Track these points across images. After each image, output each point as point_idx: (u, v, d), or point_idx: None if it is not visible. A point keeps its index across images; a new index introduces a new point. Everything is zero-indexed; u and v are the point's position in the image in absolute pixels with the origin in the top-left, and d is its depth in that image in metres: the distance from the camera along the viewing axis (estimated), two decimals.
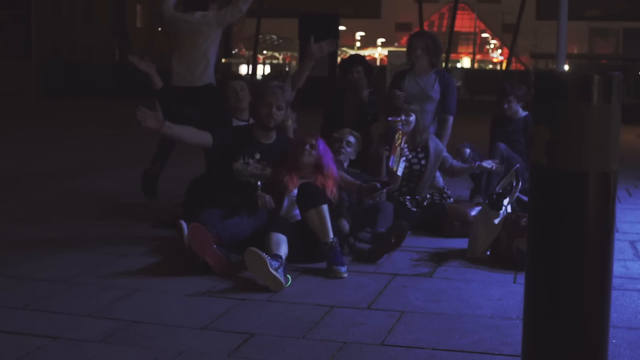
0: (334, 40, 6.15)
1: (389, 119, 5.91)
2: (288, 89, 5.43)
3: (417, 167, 6.09)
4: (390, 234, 4.98)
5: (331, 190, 5.13)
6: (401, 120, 5.81)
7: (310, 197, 4.81)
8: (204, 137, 5.32)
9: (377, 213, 5.29)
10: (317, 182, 5.11)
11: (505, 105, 6.87)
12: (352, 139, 5.94)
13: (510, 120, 6.99)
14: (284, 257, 4.49)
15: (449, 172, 6.26)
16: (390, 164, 5.54)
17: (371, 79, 6.80)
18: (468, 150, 6.71)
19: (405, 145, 5.64)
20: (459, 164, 6.29)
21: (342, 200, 5.34)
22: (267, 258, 4.31)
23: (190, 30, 6.71)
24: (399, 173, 5.54)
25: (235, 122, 5.85)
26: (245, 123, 5.80)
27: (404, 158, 5.57)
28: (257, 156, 5.32)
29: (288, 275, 4.43)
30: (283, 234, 4.64)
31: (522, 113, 6.98)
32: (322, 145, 5.25)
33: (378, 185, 5.11)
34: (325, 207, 4.78)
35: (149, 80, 5.97)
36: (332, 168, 5.23)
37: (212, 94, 6.48)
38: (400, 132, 5.59)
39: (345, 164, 5.88)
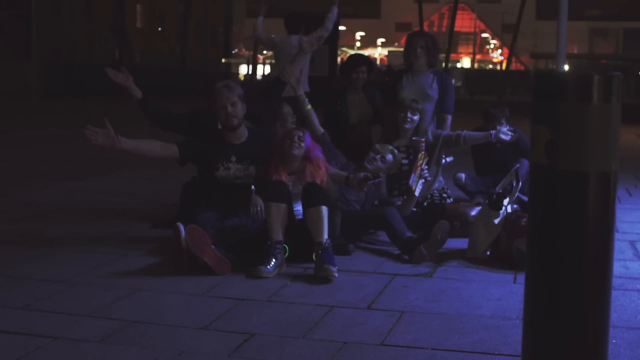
0: (321, 36, 6.23)
1: (414, 138, 5.96)
2: (236, 84, 5.41)
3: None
4: (436, 232, 5.05)
5: (322, 179, 5.11)
6: (425, 140, 5.87)
7: (315, 195, 4.82)
8: (169, 149, 5.25)
9: (389, 220, 5.26)
10: (307, 171, 5.10)
11: (498, 128, 6.87)
12: (390, 157, 5.80)
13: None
14: (280, 237, 4.72)
15: (459, 143, 6.21)
16: (410, 182, 5.58)
17: (371, 77, 6.84)
18: (464, 176, 6.83)
19: (426, 167, 5.66)
20: (468, 132, 6.27)
21: (336, 194, 5.32)
22: (264, 269, 4.56)
23: (291, 53, 7.83)
24: (417, 193, 5.58)
25: None
26: None
27: (422, 180, 5.59)
28: (234, 158, 5.29)
29: (285, 245, 4.75)
30: (281, 202, 4.79)
31: None
32: (308, 138, 5.23)
33: (369, 175, 5.10)
34: (325, 209, 4.78)
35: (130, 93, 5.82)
36: (321, 158, 5.22)
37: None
38: (423, 152, 5.63)
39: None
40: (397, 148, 5.99)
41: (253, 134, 5.38)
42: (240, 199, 5.14)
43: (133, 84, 5.77)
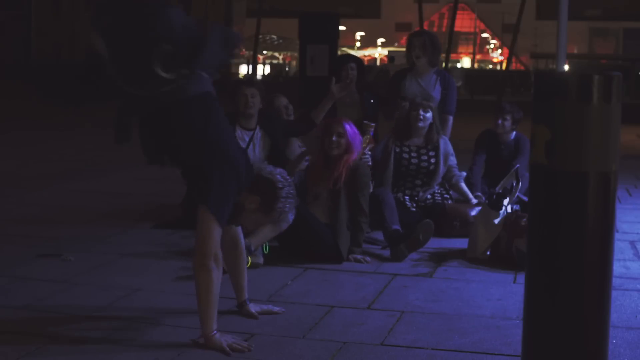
0: (349, 83, 6.31)
1: (364, 121, 5.88)
2: None
3: (425, 164, 6.07)
4: (418, 232, 5.06)
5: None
6: (374, 126, 5.84)
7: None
8: None
9: (382, 206, 5.26)
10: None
11: (499, 121, 6.74)
12: None
13: (501, 141, 6.88)
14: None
15: (449, 183, 6.23)
16: None
17: (365, 77, 6.80)
18: (464, 173, 6.84)
19: (369, 152, 5.66)
20: (463, 186, 6.21)
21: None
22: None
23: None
24: None
25: (238, 130, 5.76)
26: (251, 132, 5.74)
27: None
28: None
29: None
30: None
31: (513, 135, 6.86)
32: (350, 128, 5.20)
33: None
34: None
35: None
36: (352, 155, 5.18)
37: None
38: (369, 137, 5.60)
39: None
40: (410, 147, 6.03)
41: None
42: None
43: None
